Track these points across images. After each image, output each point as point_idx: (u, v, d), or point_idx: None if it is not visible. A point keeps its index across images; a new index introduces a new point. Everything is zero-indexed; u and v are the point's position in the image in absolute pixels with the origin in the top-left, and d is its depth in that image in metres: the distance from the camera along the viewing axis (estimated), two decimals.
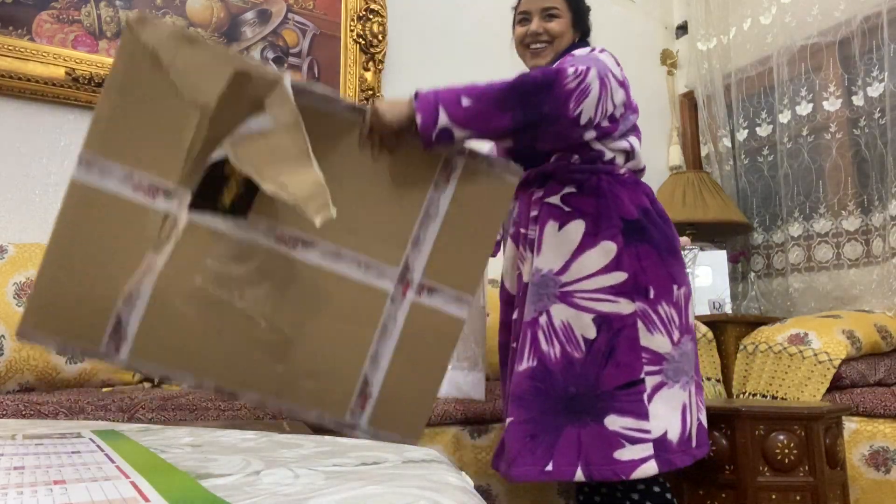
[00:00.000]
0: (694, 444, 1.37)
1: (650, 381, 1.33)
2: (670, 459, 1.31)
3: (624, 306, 1.34)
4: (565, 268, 1.38)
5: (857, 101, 2.67)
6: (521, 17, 1.59)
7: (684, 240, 2.74)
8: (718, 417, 1.61)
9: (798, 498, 1.52)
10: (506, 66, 3.08)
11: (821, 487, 1.52)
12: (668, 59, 3.46)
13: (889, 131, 2.50)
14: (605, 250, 1.36)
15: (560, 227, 1.40)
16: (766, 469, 1.55)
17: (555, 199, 1.42)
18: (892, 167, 2.49)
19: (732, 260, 2.98)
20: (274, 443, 0.60)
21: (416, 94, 1.22)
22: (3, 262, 1.70)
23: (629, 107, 1.47)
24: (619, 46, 3.34)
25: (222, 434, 0.67)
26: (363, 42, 2.50)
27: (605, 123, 1.38)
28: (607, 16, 3.34)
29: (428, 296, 1.23)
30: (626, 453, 1.28)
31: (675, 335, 1.38)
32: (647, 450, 1.29)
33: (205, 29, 2.22)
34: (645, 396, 1.31)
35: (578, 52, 1.45)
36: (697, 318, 2.43)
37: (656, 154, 3.40)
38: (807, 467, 1.53)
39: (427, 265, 1.23)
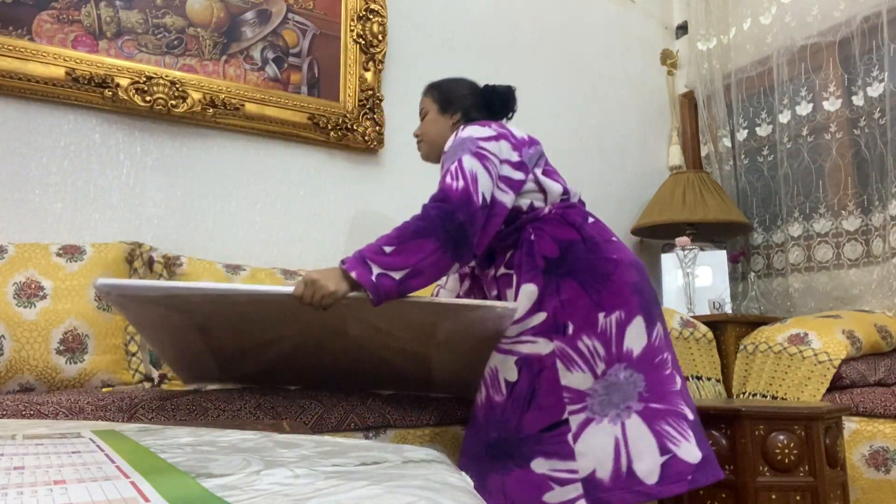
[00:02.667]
0: (653, 479, 1.26)
1: (574, 420, 1.30)
2: (603, 498, 1.25)
3: (542, 346, 1.34)
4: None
5: (857, 101, 2.66)
6: None
7: (684, 240, 2.74)
8: (718, 417, 1.61)
9: (798, 498, 1.52)
10: (505, 65, 3.06)
11: (821, 487, 1.52)
12: (668, 59, 3.46)
13: (889, 131, 2.50)
14: (528, 293, 1.38)
15: (507, 293, 1.47)
16: (766, 469, 1.55)
17: (502, 270, 1.50)
18: (892, 167, 2.49)
19: (732, 260, 2.98)
20: (274, 443, 0.60)
21: (343, 261, 1.32)
22: (3, 262, 1.70)
23: (522, 145, 1.51)
24: (619, 46, 3.35)
25: (222, 434, 0.67)
26: (363, 42, 2.50)
27: (513, 183, 1.44)
28: (607, 16, 3.34)
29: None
30: (554, 496, 1.26)
31: (600, 367, 1.32)
32: (576, 490, 1.26)
33: (205, 29, 2.22)
34: (570, 437, 1.29)
35: (448, 144, 1.52)
36: (697, 318, 2.43)
37: (656, 154, 3.40)
38: (807, 467, 1.53)
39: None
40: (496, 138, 1.47)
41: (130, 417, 1.39)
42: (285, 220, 2.33)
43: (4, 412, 1.32)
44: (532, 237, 1.44)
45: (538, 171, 1.50)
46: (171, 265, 1.98)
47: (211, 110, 2.17)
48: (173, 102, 2.10)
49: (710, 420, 1.62)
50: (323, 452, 0.55)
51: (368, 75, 2.50)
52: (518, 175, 1.46)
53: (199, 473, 0.42)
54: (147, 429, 0.72)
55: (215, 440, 0.60)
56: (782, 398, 2.17)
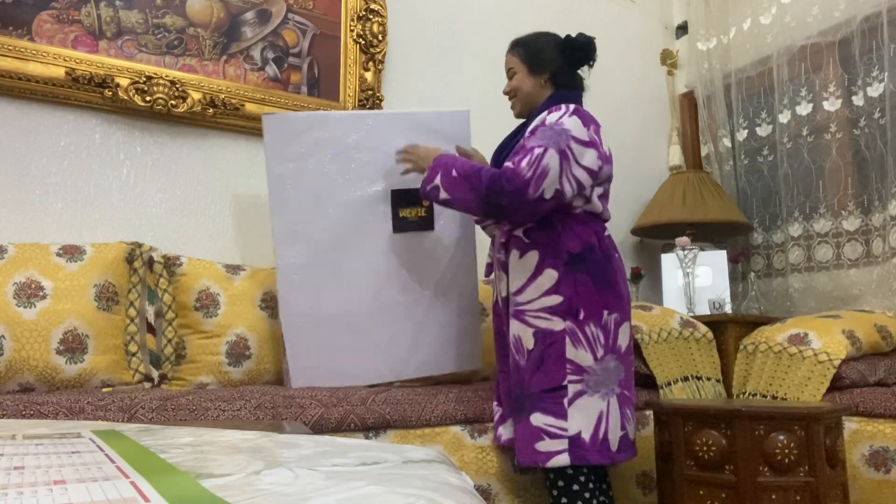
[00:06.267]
0: (614, 448, 1.60)
1: (572, 389, 1.59)
2: (583, 455, 1.56)
3: (556, 324, 1.60)
4: (521, 290, 1.66)
5: (857, 101, 2.66)
6: None
7: (684, 240, 2.74)
8: (718, 417, 1.61)
9: (798, 498, 1.52)
10: (504, 65, 3.03)
11: (821, 487, 1.52)
12: (668, 59, 3.46)
13: (889, 131, 2.50)
14: (549, 276, 1.63)
15: (520, 256, 1.67)
16: (766, 469, 1.55)
17: (518, 232, 1.69)
18: (892, 167, 2.49)
19: (732, 260, 2.98)
20: (274, 443, 0.60)
21: (438, 158, 1.70)
22: (3, 262, 1.70)
23: (603, 159, 1.67)
24: (619, 46, 3.35)
25: (222, 434, 0.67)
26: (363, 42, 2.50)
27: (577, 186, 1.60)
28: (607, 16, 3.34)
29: None
30: (543, 445, 1.57)
31: (599, 353, 1.61)
32: (562, 444, 1.56)
33: (205, 29, 2.22)
34: (565, 401, 1.58)
35: (549, 118, 1.65)
36: (697, 318, 2.44)
37: (656, 154, 3.40)
38: (807, 467, 1.53)
39: None
40: (587, 145, 1.62)
41: (130, 417, 1.39)
42: None
43: (4, 412, 1.32)
44: (560, 228, 1.65)
45: (597, 190, 1.69)
46: (171, 265, 1.98)
47: (211, 110, 2.17)
48: (173, 102, 2.10)
49: (710, 420, 1.62)
50: (323, 452, 0.55)
51: (368, 75, 2.50)
52: (588, 182, 1.63)
53: (199, 473, 0.42)
54: (147, 429, 0.72)
55: (215, 440, 0.60)
56: (782, 398, 2.17)
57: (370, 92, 2.49)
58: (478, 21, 2.89)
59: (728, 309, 2.66)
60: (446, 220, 1.96)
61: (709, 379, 2.30)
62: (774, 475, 1.54)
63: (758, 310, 2.85)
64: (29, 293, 1.68)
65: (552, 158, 1.55)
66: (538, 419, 1.58)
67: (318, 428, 1.54)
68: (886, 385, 2.12)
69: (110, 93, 2.01)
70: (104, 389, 1.70)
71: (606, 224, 1.77)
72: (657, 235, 3.11)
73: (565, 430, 1.56)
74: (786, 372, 2.18)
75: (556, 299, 1.60)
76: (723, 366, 2.36)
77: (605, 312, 1.62)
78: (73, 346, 1.68)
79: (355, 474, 0.44)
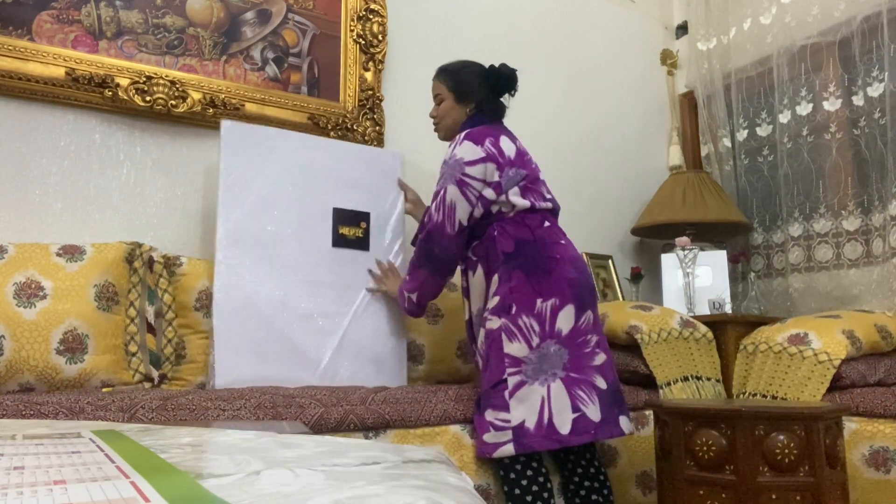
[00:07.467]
0: (565, 431, 1.63)
1: (511, 381, 1.65)
2: (527, 443, 1.61)
3: (495, 322, 1.69)
4: (485, 303, 1.77)
5: (857, 101, 2.66)
6: None
7: (684, 240, 2.74)
8: (718, 417, 1.61)
9: (798, 498, 1.52)
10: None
11: (821, 487, 1.52)
12: (668, 59, 3.46)
13: (889, 131, 2.50)
14: (494, 281, 1.74)
15: (473, 274, 1.81)
16: (766, 469, 1.55)
17: (469, 253, 1.83)
18: (892, 167, 2.49)
19: (732, 260, 2.98)
20: (274, 443, 0.60)
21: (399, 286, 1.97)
22: (3, 262, 1.70)
23: (506, 165, 1.77)
24: (619, 46, 3.35)
25: (222, 434, 0.67)
26: (363, 42, 2.50)
27: (485, 202, 1.75)
28: (607, 16, 3.34)
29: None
30: (490, 437, 1.64)
31: (535, 341, 1.66)
32: (506, 435, 1.62)
33: (205, 29, 2.22)
34: (506, 393, 1.64)
35: (447, 154, 1.81)
36: (697, 318, 2.44)
37: (656, 154, 3.40)
38: (807, 467, 1.53)
39: None
40: (484, 160, 1.75)
41: (130, 417, 1.39)
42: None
43: (4, 412, 1.32)
44: (496, 233, 1.75)
45: (513, 191, 1.77)
46: (171, 265, 1.98)
47: (211, 110, 2.17)
48: (173, 102, 2.10)
49: (710, 420, 1.62)
50: (323, 452, 0.55)
51: (368, 75, 2.50)
52: (492, 196, 1.76)
53: (199, 473, 0.43)
54: (147, 429, 0.72)
55: (215, 440, 0.60)
56: (782, 398, 2.17)
57: (370, 92, 2.49)
58: (478, 21, 2.89)
59: (728, 309, 2.66)
60: (380, 245, 2.13)
61: (709, 379, 2.30)
62: (774, 475, 1.54)
63: (758, 310, 2.85)
64: (29, 293, 1.68)
65: (453, 193, 1.75)
66: (490, 414, 1.66)
67: (318, 428, 1.54)
68: (886, 385, 2.12)
69: (110, 93, 2.01)
70: (104, 389, 1.70)
71: (551, 214, 1.83)
72: (657, 235, 3.11)
73: (508, 421, 1.63)
74: (786, 372, 2.18)
75: (495, 300, 1.71)
76: (723, 366, 2.36)
77: (539, 301, 1.67)
78: (73, 346, 1.68)
79: (355, 474, 0.44)
